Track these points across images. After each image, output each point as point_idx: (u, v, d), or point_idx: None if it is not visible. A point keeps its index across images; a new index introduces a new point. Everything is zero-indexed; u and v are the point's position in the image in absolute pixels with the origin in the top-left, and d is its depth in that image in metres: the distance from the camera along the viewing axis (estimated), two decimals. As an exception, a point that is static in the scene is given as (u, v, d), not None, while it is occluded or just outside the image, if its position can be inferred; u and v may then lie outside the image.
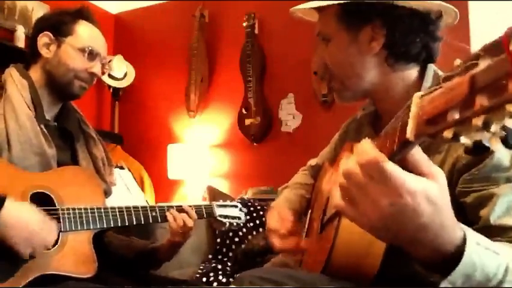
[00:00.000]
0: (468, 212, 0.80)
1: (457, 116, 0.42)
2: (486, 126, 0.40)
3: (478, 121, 0.40)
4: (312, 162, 1.38)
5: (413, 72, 0.95)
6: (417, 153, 0.54)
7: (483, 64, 0.40)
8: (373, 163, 0.53)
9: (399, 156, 0.54)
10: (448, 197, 0.56)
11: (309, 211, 1.26)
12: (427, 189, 0.53)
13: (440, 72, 0.95)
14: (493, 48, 0.40)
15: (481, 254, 0.57)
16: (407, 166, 0.54)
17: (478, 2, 2.51)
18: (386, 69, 0.93)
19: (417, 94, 0.51)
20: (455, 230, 0.57)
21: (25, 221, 1.08)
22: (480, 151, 0.43)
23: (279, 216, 1.16)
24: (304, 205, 1.28)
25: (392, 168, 0.52)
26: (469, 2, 2.52)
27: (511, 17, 2.36)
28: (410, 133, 0.50)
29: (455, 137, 0.43)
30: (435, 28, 0.92)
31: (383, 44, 0.91)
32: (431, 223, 0.54)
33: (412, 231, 0.55)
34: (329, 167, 1.22)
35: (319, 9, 0.99)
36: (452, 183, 0.81)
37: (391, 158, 0.53)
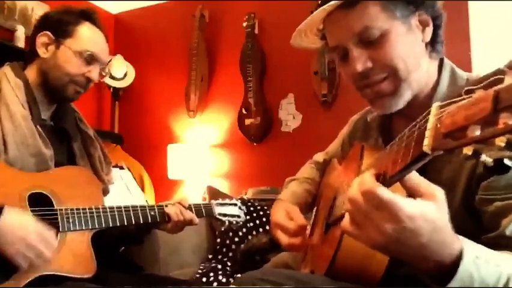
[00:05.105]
0: (486, 219, 0.78)
1: (477, 132, 0.40)
2: (510, 146, 0.38)
3: (501, 141, 0.38)
4: (320, 158, 1.36)
5: (434, 64, 0.94)
6: (415, 177, 0.59)
7: (509, 80, 0.38)
8: (371, 193, 0.59)
9: (413, 168, 0.55)
10: (447, 214, 0.60)
11: (315, 208, 1.25)
12: (425, 211, 0.58)
13: (457, 69, 0.94)
14: None
15: (480, 266, 0.61)
16: (407, 190, 0.59)
17: (478, 2, 2.50)
18: (427, 57, 0.92)
19: (436, 104, 0.50)
20: (454, 245, 0.61)
21: (23, 233, 1.05)
22: (501, 170, 0.42)
23: (286, 212, 1.14)
24: (310, 201, 1.27)
25: (390, 196, 0.57)
26: (469, 2, 2.51)
27: (511, 17, 2.36)
28: (426, 146, 0.49)
29: (476, 154, 0.42)
30: None
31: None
32: (430, 241, 0.59)
33: (414, 250, 0.60)
34: (337, 164, 1.21)
35: (350, 8, 0.87)
36: (470, 189, 0.80)
37: (403, 170, 0.56)
